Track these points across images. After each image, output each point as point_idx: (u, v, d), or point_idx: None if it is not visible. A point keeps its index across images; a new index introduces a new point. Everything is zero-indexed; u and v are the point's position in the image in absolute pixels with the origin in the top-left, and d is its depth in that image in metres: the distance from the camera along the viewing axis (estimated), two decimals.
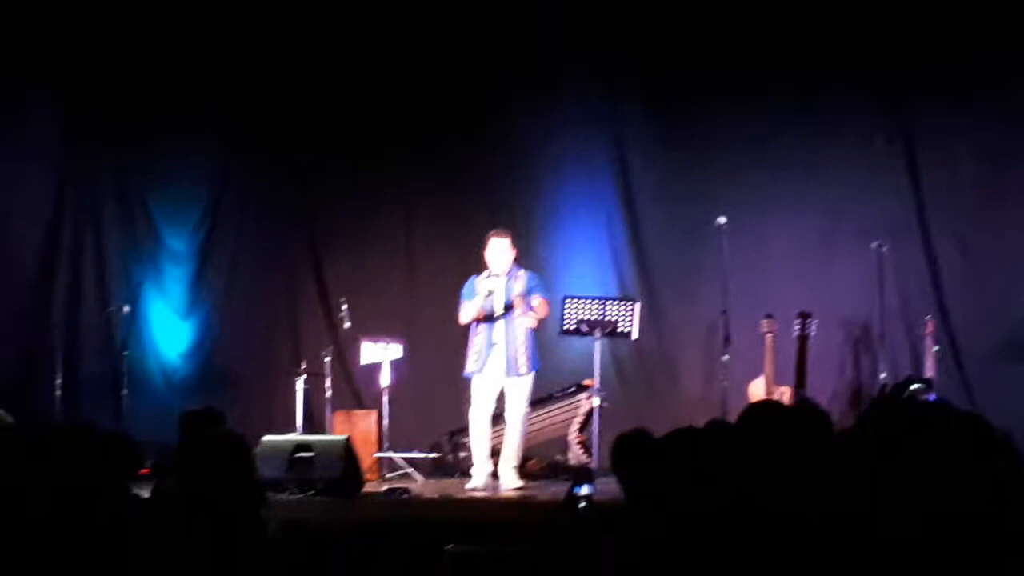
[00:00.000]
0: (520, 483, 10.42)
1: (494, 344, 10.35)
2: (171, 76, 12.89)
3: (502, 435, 10.63)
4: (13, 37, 12.42)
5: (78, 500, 3.99)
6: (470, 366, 10.49)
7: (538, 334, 11.03)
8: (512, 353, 10.32)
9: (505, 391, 10.43)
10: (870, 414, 4.26)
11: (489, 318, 10.37)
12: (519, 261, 10.60)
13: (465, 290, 10.54)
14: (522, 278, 10.47)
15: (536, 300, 10.45)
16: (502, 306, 10.35)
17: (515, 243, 10.55)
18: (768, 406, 4.99)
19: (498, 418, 10.64)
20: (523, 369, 10.34)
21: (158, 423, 10.37)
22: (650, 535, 4.24)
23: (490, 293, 10.33)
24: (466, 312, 10.48)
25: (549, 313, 10.61)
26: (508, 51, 12.56)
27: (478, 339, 10.45)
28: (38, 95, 12.91)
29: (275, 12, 12.81)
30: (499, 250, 10.45)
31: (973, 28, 11.51)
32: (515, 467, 10.47)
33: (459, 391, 10.89)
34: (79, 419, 10.92)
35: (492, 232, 10.56)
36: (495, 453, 10.69)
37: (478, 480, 10.48)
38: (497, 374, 10.38)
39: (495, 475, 10.58)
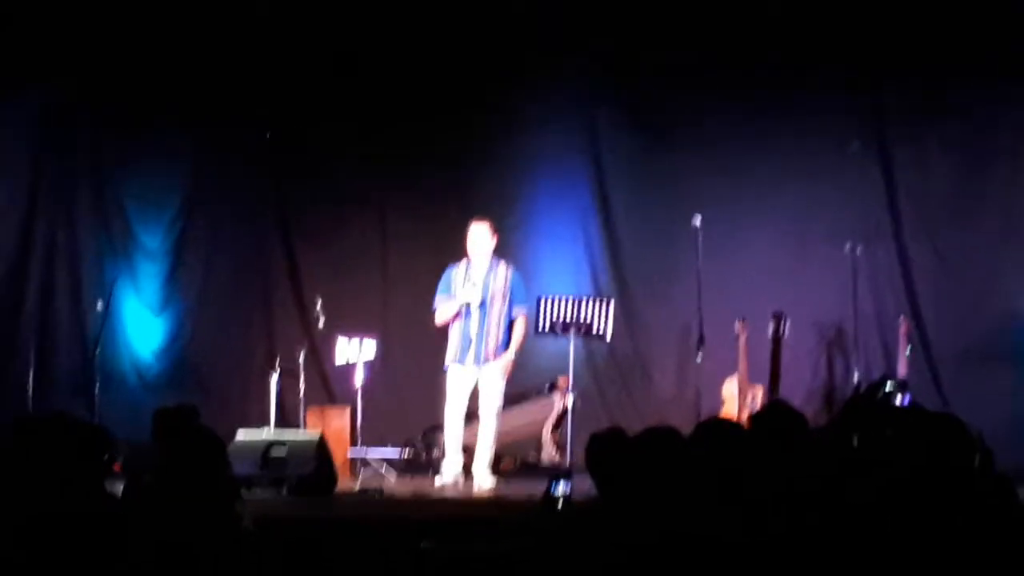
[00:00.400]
0: (492, 481, 10.41)
1: (471, 340, 10.33)
2: (146, 73, 12.84)
3: (473, 433, 10.64)
4: None
5: (55, 492, 3.98)
6: (449, 357, 10.45)
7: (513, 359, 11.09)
8: (485, 345, 10.28)
9: (479, 384, 10.41)
10: (845, 412, 4.29)
11: (464, 315, 10.33)
12: (498, 253, 10.56)
13: (441, 283, 10.49)
14: (502, 276, 10.40)
15: (517, 316, 10.41)
16: (478, 301, 10.31)
17: (495, 230, 10.50)
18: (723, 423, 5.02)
19: (472, 416, 10.65)
20: (491, 355, 10.28)
21: (130, 420, 10.31)
22: (625, 533, 4.25)
23: (474, 285, 10.28)
24: (441, 313, 10.45)
25: (528, 331, 10.57)
26: (483, 51, 12.57)
27: (454, 333, 10.42)
28: (13, 91, 12.83)
29: (249, 11, 12.78)
30: (478, 235, 10.38)
31: (947, 32, 11.57)
32: (488, 462, 10.46)
33: (434, 389, 10.86)
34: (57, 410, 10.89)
35: (473, 217, 10.52)
36: (467, 449, 10.70)
37: (448, 475, 10.45)
38: (473, 367, 10.37)
39: (467, 471, 10.58)
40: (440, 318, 10.46)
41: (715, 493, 4.30)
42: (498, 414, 10.45)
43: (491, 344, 10.29)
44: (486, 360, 10.27)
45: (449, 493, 10.21)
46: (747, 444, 4.66)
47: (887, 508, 3.89)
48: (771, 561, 4.02)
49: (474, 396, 10.49)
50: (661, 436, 4.59)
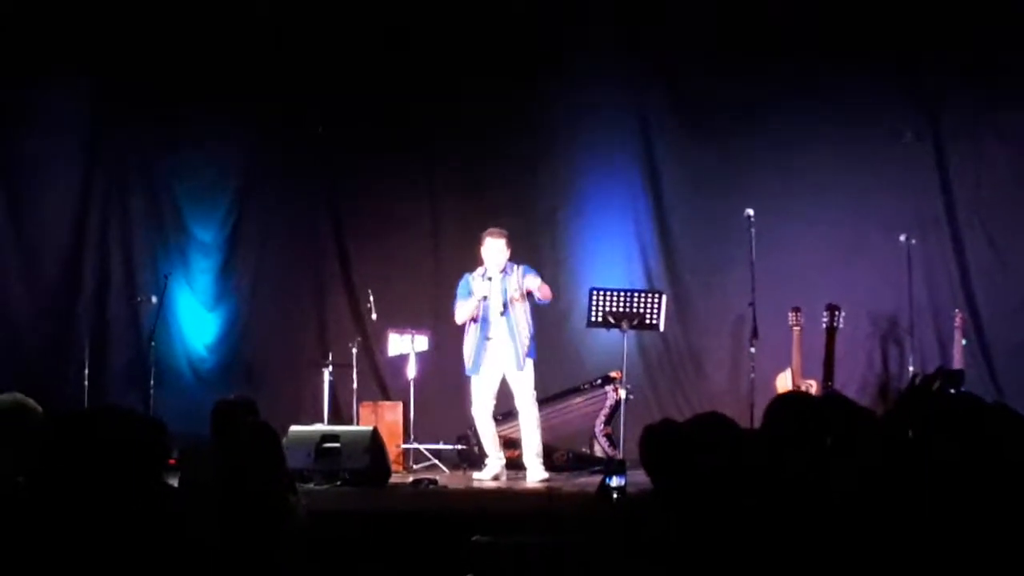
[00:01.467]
0: (545, 474, 10.43)
1: (488, 339, 10.36)
2: (198, 66, 12.89)
3: (517, 429, 10.67)
4: (41, 28, 12.46)
5: (117, 484, 3.99)
6: (468, 365, 10.54)
7: (563, 326, 11.06)
8: (517, 348, 10.33)
9: (510, 384, 10.45)
10: (901, 405, 4.26)
11: (482, 319, 10.38)
12: (516, 258, 10.58)
13: (460, 288, 10.56)
14: (517, 272, 10.46)
15: (537, 282, 10.44)
16: (500, 306, 10.34)
17: (510, 243, 10.50)
18: (794, 397, 4.99)
19: (510, 414, 10.71)
20: (530, 362, 10.38)
21: (185, 414, 10.37)
22: (680, 526, 4.24)
23: (484, 298, 10.34)
24: (460, 312, 10.52)
25: (552, 294, 10.63)
26: (536, 43, 12.57)
27: (469, 338, 10.49)
28: (65, 85, 12.92)
29: (303, 5, 12.82)
30: (494, 250, 10.43)
31: (1001, 21, 11.47)
32: (538, 454, 10.48)
33: None
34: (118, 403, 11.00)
35: (487, 231, 10.54)
36: (509, 445, 10.71)
37: (488, 472, 10.54)
38: (494, 370, 10.41)
39: (516, 466, 10.60)
40: (460, 316, 10.52)
41: (768, 478, 4.28)
42: (535, 406, 10.49)
43: (523, 345, 10.33)
44: (521, 367, 10.34)
45: (498, 485, 10.23)
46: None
47: (940, 501, 3.85)
48: (823, 550, 3.99)
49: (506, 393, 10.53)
50: (710, 422, 4.56)
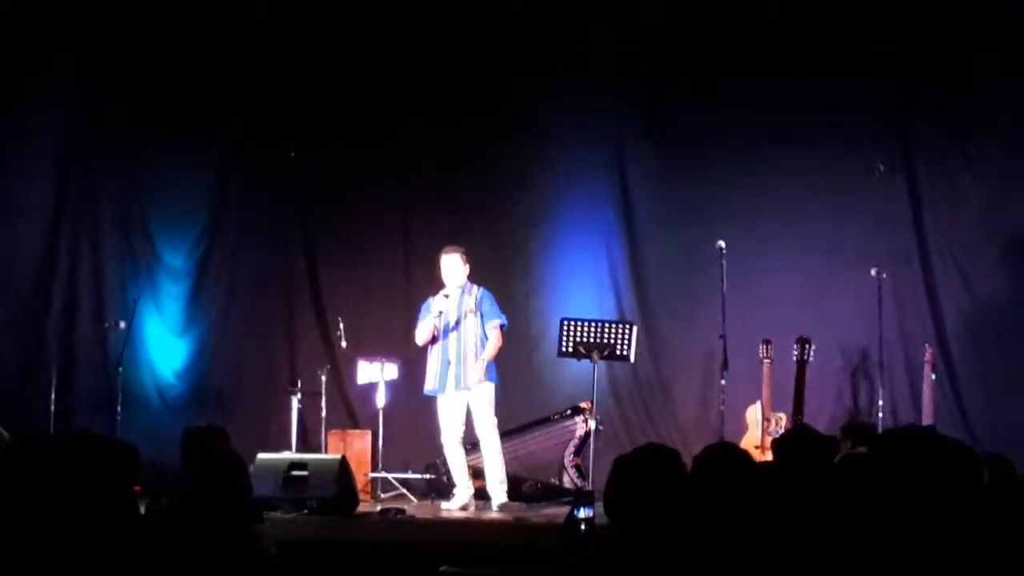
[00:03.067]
0: (506, 499, 10.39)
1: (449, 363, 10.34)
2: (173, 92, 12.85)
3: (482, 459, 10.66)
4: (14, 52, 12.41)
5: (87, 507, 3.97)
6: (428, 384, 10.49)
7: (533, 355, 11.05)
8: (462, 367, 10.30)
9: (470, 408, 10.39)
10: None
11: (441, 336, 10.35)
12: (472, 278, 10.57)
13: (422, 311, 10.55)
14: (474, 294, 10.45)
15: (491, 328, 10.42)
16: (455, 320, 10.33)
17: (467, 259, 10.49)
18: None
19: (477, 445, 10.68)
20: (472, 381, 10.28)
21: (152, 440, 10.27)
22: (635, 558, 4.22)
23: (440, 313, 10.30)
24: (419, 332, 10.49)
25: (503, 342, 10.58)
26: (509, 72, 12.57)
27: (432, 359, 10.46)
28: (39, 108, 12.86)
29: (278, 29, 12.81)
30: (450, 266, 10.43)
31: (976, 56, 11.52)
32: (501, 481, 10.44)
33: None
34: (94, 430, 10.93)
35: (443, 249, 10.56)
36: (477, 475, 10.67)
37: (456, 501, 10.47)
38: (459, 394, 10.37)
39: (485, 495, 10.56)
40: (420, 336, 10.48)
41: (715, 515, 4.28)
42: (495, 432, 10.44)
43: (471, 366, 10.28)
44: (467, 386, 10.28)
45: (467, 515, 10.19)
46: (751, 469, 4.66)
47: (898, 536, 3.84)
48: None
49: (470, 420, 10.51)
50: (654, 456, 4.55)
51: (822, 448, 5.22)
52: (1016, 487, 5.08)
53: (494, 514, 10.24)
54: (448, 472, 10.84)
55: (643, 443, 4.86)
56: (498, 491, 10.42)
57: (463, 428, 10.45)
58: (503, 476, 10.48)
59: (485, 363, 10.32)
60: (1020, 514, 4.20)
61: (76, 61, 12.81)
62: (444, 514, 10.31)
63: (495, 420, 10.46)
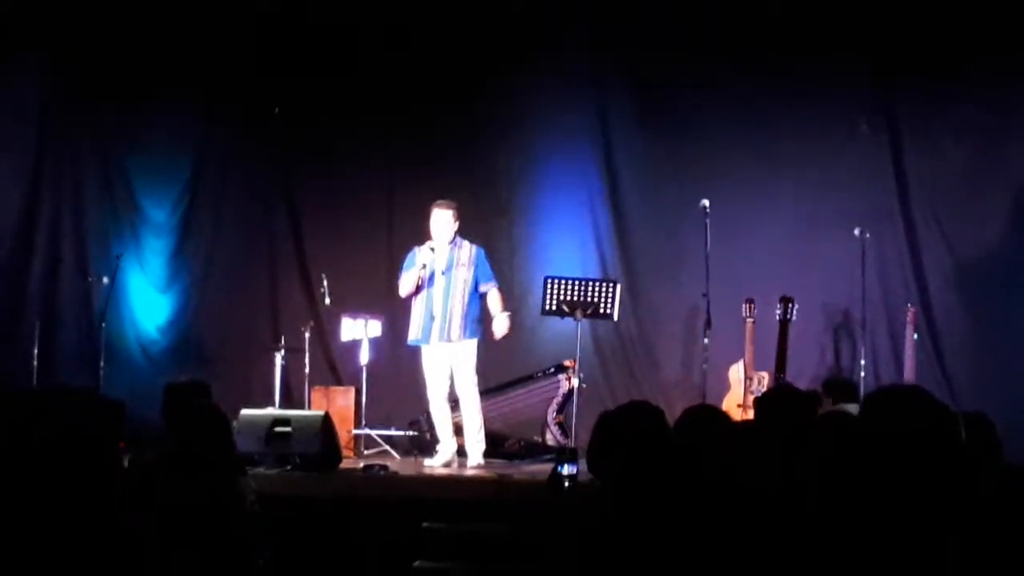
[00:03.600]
0: (482, 459, 10.42)
1: (434, 318, 10.31)
2: (155, 46, 12.78)
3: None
4: None
5: (72, 463, 3.97)
6: (412, 335, 10.45)
7: (517, 313, 11.05)
8: (447, 319, 10.28)
9: (452, 363, 10.37)
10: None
11: (426, 286, 10.30)
12: (464, 235, 10.54)
13: (406, 261, 10.49)
14: (467, 249, 10.41)
15: (488, 290, 10.45)
16: (442, 271, 10.30)
17: (458, 215, 10.45)
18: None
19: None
20: (455, 335, 10.27)
21: (135, 396, 10.28)
22: (630, 513, 4.23)
23: (424, 266, 10.26)
24: (403, 283, 10.45)
25: (505, 300, 10.61)
26: (493, 32, 12.52)
27: (416, 310, 10.41)
28: (19, 61, 12.78)
29: None
30: (441, 220, 10.39)
31: (959, 15, 11.51)
32: (479, 441, 10.46)
33: None
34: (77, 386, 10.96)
35: (435, 203, 10.51)
36: (460, 432, 10.69)
37: (440, 458, 10.47)
38: (438, 344, 10.34)
39: (461, 452, 10.59)
40: (403, 288, 10.45)
41: (696, 475, 4.30)
42: (474, 390, 10.44)
43: (456, 320, 10.28)
44: (450, 338, 10.26)
45: (450, 472, 10.21)
46: (731, 433, 4.69)
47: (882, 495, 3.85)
48: (765, 544, 4.00)
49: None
50: (634, 412, 4.56)
51: (803, 404, 5.23)
52: (993, 444, 5.11)
53: (468, 468, 10.25)
54: (431, 429, 10.86)
55: (625, 400, 4.89)
56: (475, 449, 10.43)
57: (448, 383, 10.45)
58: (481, 435, 10.50)
59: (507, 319, 10.39)
60: (996, 471, 4.23)
61: (55, 17, 12.71)
62: (427, 471, 10.32)
63: (476, 378, 10.46)
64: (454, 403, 10.66)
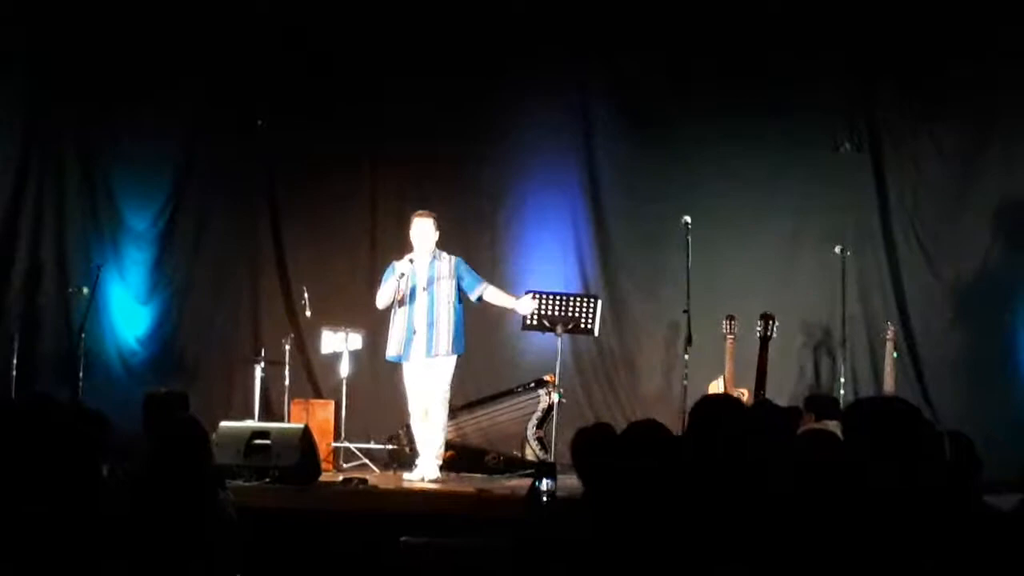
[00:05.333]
0: (438, 474, 10.36)
1: (415, 332, 10.26)
2: (139, 55, 12.78)
3: (458, 428, 10.65)
4: None
5: (54, 473, 3.98)
6: (391, 351, 10.39)
7: (497, 328, 11.04)
8: (433, 333, 10.23)
9: (429, 374, 10.31)
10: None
11: (407, 301, 10.25)
12: (446, 247, 10.50)
13: (386, 274, 10.42)
14: (446, 261, 10.37)
15: (483, 289, 10.44)
16: (423, 286, 10.26)
17: (439, 226, 10.40)
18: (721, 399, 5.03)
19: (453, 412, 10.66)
20: (443, 349, 10.22)
21: (114, 407, 10.21)
22: (608, 528, 4.23)
23: (403, 276, 10.21)
24: (381, 296, 10.37)
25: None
26: (477, 45, 12.55)
27: (396, 326, 10.34)
28: (1, 70, 12.75)
29: None
30: (422, 229, 10.32)
31: (941, 34, 11.56)
32: (438, 456, 10.41)
33: None
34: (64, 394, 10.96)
35: (416, 212, 10.49)
36: (451, 445, 10.66)
37: (419, 472, 10.39)
38: (421, 359, 10.30)
39: (449, 467, 10.56)
40: (381, 300, 10.36)
41: (702, 486, 4.30)
42: (445, 405, 10.39)
43: (444, 336, 10.24)
44: (436, 352, 10.23)
45: (433, 486, 10.18)
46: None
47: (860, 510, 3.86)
48: (756, 556, 4.00)
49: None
50: (646, 430, 4.57)
51: (783, 419, 5.24)
52: (974, 462, 5.12)
53: (419, 481, 10.20)
54: (411, 443, 10.83)
55: (605, 416, 4.88)
56: (431, 464, 10.34)
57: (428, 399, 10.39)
58: (441, 451, 10.45)
59: (521, 298, 10.42)
60: (978, 488, 4.24)
61: (37, 26, 12.69)
62: (406, 484, 10.30)
63: (448, 395, 10.42)
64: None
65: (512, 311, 10.75)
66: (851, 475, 3.82)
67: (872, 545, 3.69)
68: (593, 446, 4.77)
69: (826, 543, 3.82)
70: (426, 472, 10.31)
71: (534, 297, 10.52)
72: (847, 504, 3.80)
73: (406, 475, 10.59)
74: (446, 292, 10.29)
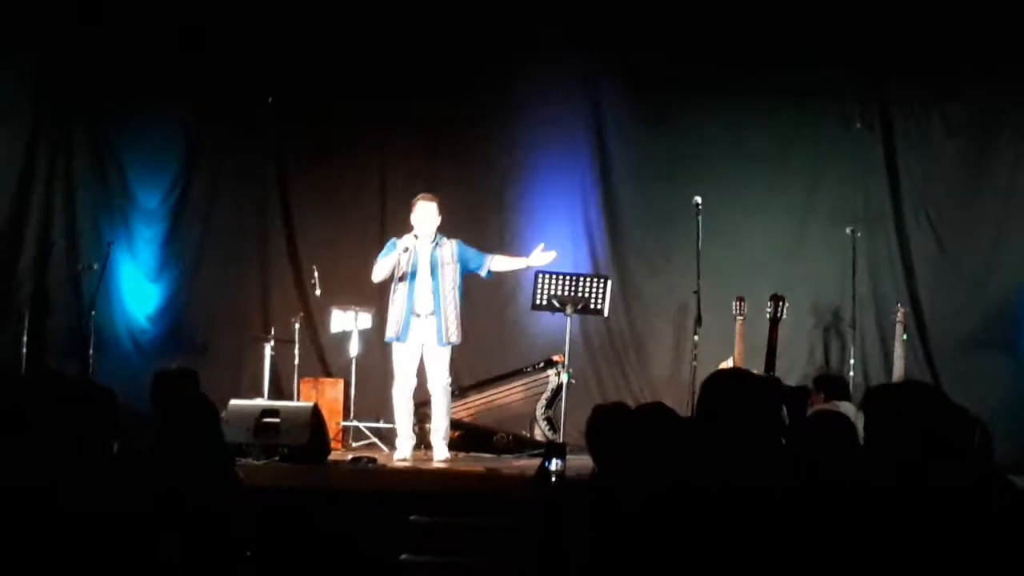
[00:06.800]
0: (448, 454, 10.34)
1: (416, 315, 10.18)
2: (149, 31, 12.78)
3: (467, 408, 10.65)
4: None
5: (63, 449, 3.98)
6: (389, 331, 10.29)
7: (507, 308, 11.02)
8: (441, 321, 10.18)
9: (426, 361, 10.26)
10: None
11: (407, 279, 10.18)
12: (448, 230, 10.45)
13: (385, 248, 10.31)
14: (448, 246, 10.29)
15: (495, 260, 10.42)
16: (428, 273, 10.20)
17: (442, 209, 10.34)
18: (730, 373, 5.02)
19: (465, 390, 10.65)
20: (453, 337, 10.17)
21: (124, 384, 10.25)
22: (622, 507, 4.23)
23: (407, 250, 10.11)
24: (379, 269, 10.25)
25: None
26: (489, 23, 12.52)
27: (395, 306, 10.25)
28: (11, 47, 12.75)
29: None
30: (426, 213, 10.23)
31: (952, 13, 11.53)
32: (444, 438, 10.37)
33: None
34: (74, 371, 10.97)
35: (419, 195, 10.41)
36: (455, 426, 10.65)
37: (399, 452, 10.32)
38: (419, 344, 10.21)
39: (457, 446, 10.54)
40: (378, 273, 10.26)
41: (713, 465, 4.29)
42: (448, 392, 10.34)
43: (452, 323, 10.17)
44: (449, 341, 10.18)
45: (438, 466, 10.18)
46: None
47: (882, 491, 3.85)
48: (765, 539, 3.99)
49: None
50: (656, 412, 4.58)
51: (793, 398, 5.24)
52: (991, 449, 5.11)
53: (433, 463, 10.17)
54: (419, 422, 10.79)
55: (614, 396, 4.89)
56: (441, 445, 10.31)
57: (415, 380, 10.29)
58: (447, 433, 10.39)
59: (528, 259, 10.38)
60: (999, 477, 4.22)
61: (46, 5, 12.68)
62: (421, 464, 10.23)
63: (450, 379, 10.36)
64: (459, 390, 10.60)
65: (523, 278, 10.64)
66: (870, 462, 3.81)
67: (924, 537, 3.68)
68: (609, 424, 4.77)
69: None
70: (438, 454, 10.28)
71: (542, 276, 10.51)
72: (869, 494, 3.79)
73: (395, 455, 10.47)
74: (451, 278, 10.23)
